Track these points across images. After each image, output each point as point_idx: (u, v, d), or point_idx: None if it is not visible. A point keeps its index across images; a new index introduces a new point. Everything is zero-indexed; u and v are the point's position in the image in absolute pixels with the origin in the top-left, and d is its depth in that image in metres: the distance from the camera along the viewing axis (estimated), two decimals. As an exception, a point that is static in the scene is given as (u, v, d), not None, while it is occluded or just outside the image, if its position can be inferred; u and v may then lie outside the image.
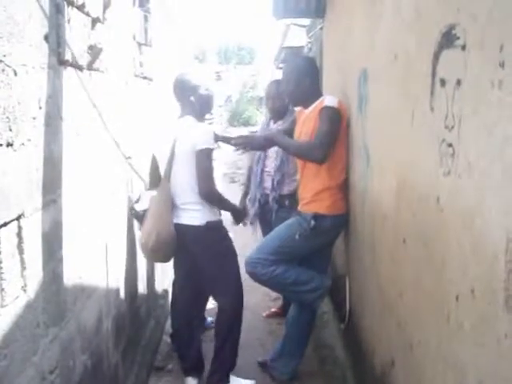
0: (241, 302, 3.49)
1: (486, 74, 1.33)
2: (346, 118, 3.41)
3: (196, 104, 3.35)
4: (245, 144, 3.56)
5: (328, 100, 3.35)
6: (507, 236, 1.22)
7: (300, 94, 3.54)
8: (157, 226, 3.23)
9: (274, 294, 4.87)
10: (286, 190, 4.25)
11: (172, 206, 3.30)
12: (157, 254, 3.38)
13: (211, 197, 3.24)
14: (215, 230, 3.34)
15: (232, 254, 3.47)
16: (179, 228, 3.28)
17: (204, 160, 3.16)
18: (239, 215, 3.82)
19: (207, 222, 3.26)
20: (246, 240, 6.29)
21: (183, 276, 3.60)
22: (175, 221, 3.29)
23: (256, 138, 3.63)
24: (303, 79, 3.50)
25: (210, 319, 4.37)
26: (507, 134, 1.23)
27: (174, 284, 3.78)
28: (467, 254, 1.46)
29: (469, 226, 1.45)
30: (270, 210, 4.33)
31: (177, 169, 3.27)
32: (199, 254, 3.35)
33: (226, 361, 3.46)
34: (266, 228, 4.23)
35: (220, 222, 3.40)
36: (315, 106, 3.42)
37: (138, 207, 3.39)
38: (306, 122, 3.47)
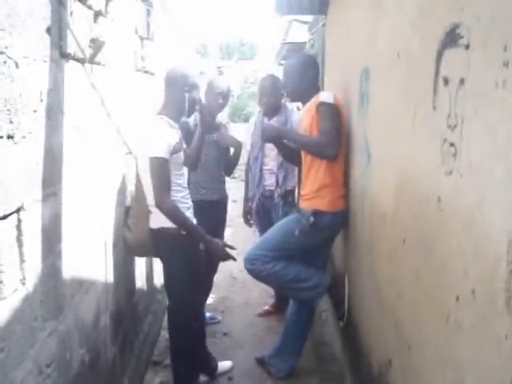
0: (182, 320, 3.24)
1: (490, 73, 1.32)
2: (345, 115, 3.41)
3: (188, 102, 3.13)
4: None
5: (323, 96, 3.35)
6: (509, 237, 1.21)
7: (302, 89, 3.55)
8: (131, 224, 3.19)
9: (273, 291, 4.87)
10: (290, 185, 4.26)
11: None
12: (135, 252, 3.37)
13: (160, 208, 2.96)
14: (168, 239, 3.08)
15: (186, 271, 3.08)
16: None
17: (155, 169, 2.91)
18: (215, 249, 3.16)
19: (161, 228, 3.07)
20: (245, 235, 6.30)
21: None
22: None
23: (266, 132, 3.53)
24: (306, 74, 3.52)
25: (208, 314, 4.38)
26: (510, 134, 1.22)
27: None
28: (468, 255, 1.46)
29: (470, 226, 1.44)
30: (269, 208, 4.31)
31: (141, 170, 3.11)
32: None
33: (179, 374, 3.33)
34: (266, 226, 4.08)
35: (176, 231, 3.05)
36: (311, 101, 3.42)
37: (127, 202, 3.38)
38: (303, 118, 3.49)
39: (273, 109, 4.29)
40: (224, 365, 3.80)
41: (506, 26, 1.25)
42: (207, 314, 4.38)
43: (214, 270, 4.37)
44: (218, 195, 4.23)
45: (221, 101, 4.10)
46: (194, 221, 3.22)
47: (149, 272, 4.16)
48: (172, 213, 2.97)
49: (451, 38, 1.61)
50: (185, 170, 3.22)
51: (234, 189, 7.73)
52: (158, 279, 4.54)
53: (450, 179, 1.60)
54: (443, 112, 1.66)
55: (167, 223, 3.03)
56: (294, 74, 3.55)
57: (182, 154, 3.09)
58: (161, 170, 2.92)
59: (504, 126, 1.25)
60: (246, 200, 4.62)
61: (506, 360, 1.23)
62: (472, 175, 1.44)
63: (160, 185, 2.92)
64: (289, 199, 4.21)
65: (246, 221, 4.72)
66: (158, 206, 2.94)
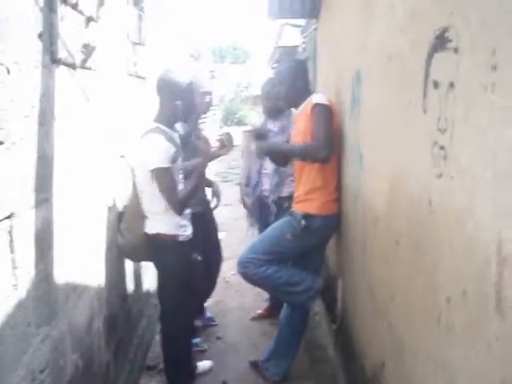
0: (174, 325, 3.29)
1: (479, 77, 1.33)
2: (338, 117, 3.42)
3: (181, 109, 3.08)
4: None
5: (316, 97, 3.37)
6: (499, 238, 1.22)
7: (293, 95, 3.56)
8: (124, 230, 3.19)
9: (267, 295, 4.87)
10: (285, 191, 4.20)
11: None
12: (129, 256, 3.37)
13: (178, 210, 3.02)
14: (164, 246, 3.10)
15: (180, 278, 3.13)
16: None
17: (161, 180, 2.92)
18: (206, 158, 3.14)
19: (157, 234, 3.08)
20: (239, 239, 6.29)
21: None
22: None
23: (259, 151, 3.65)
24: (296, 82, 3.54)
25: (209, 315, 4.39)
26: (499, 137, 1.23)
27: None
28: (459, 256, 1.47)
29: (460, 228, 1.45)
30: (267, 212, 4.29)
31: (137, 179, 3.10)
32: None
33: (173, 379, 3.38)
34: (264, 230, 3.98)
35: (173, 238, 3.10)
36: (305, 104, 3.44)
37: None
38: (298, 121, 3.50)
39: (273, 112, 4.31)
40: (203, 365, 3.83)
41: (495, 30, 1.26)
42: (208, 315, 4.40)
43: (216, 271, 4.36)
44: (201, 206, 4.05)
45: (207, 99, 4.04)
46: (190, 229, 3.22)
47: (142, 276, 4.15)
48: (183, 203, 3.02)
49: (441, 41, 1.62)
50: (181, 177, 3.18)
51: (227, 193, 7.71)
52: (152, 283, 4.53)
53: (441, 182, 1.61)
54: (433, 115, 1.67)
55: (164, 229, 3.06)
56: (285, 80, 3.56)
57: (179, 162, 3.07)
58: (167, 179, 2.92)
59: (493, 129, 1.26)
60: (244, 185, 4.65)
61: (496, 361, 1.23)
62: (462, 178, 1.45)
63: (172, 193, 2.95)
64: (284, 205, 4.16)
65: (244, 204, 4.73)
66: (176, 209, 2.99)
